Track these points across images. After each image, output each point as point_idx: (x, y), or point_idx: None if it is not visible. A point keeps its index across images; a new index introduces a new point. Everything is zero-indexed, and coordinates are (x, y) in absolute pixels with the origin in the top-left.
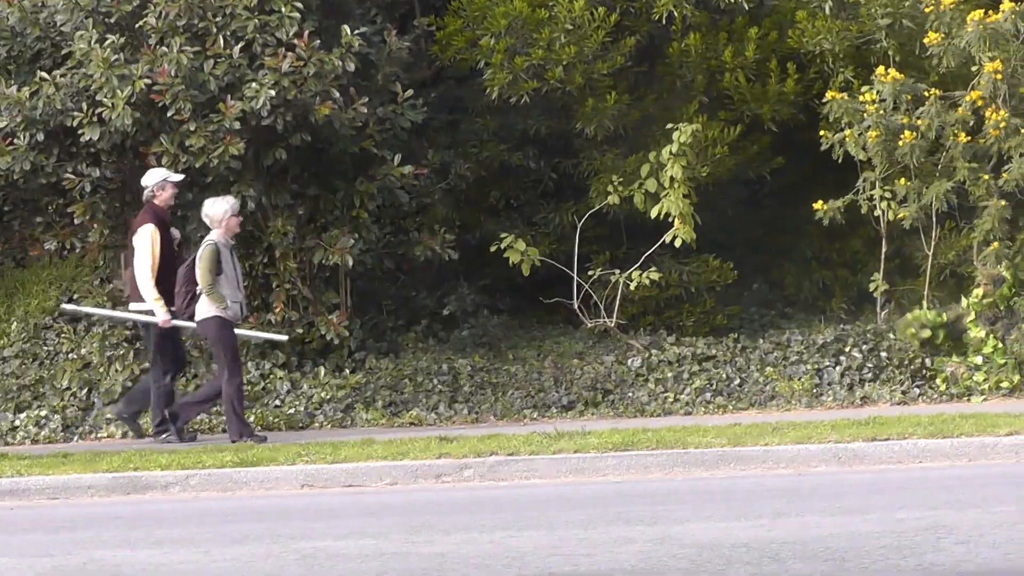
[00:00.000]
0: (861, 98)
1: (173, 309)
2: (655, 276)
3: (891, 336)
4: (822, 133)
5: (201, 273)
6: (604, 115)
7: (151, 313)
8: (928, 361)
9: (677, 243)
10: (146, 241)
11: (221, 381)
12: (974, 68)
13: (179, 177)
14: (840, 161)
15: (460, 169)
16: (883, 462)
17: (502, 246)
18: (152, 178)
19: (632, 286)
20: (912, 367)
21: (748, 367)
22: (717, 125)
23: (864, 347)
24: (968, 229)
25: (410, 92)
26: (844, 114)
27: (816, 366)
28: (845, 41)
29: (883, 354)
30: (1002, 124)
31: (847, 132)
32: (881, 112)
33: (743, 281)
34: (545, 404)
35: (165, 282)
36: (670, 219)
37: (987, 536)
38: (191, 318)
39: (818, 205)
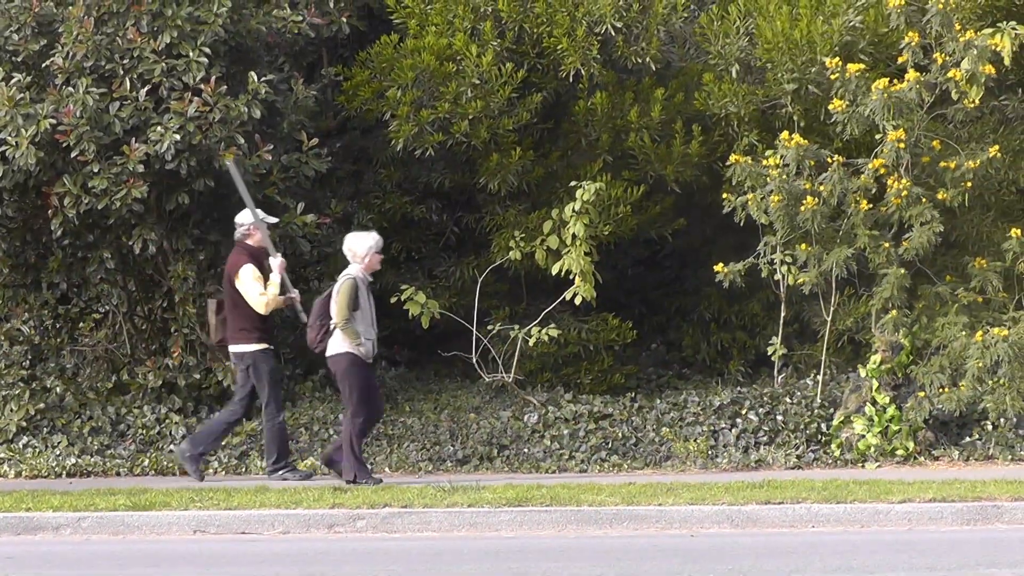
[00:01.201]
0: (765, 162)
1: (271, 347)
2: (554, 333)
3: (787, 400)
4: (725, 196)
5: (339, 307)
6: (508, 170)
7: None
8: (823, 426)
9: (577, 301)
10: (250, 279)
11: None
12: (878, 136)
13: (274, 220)
14: (742, 224)
15: (363, 219)
16: (776, 525)
17: (402, 298)
18: (246, 217)
19: (531, 342)
20: (807, 432)
21: (644, 426)
22: (620, 184)
23: (760, 410)
24: (867, 296)
25: (315, 141)
26: (747, 177)
27: (712, 428)
28: (751, 105)
29: (779, 418)
30: (904, 193)
31: (750, 196)
32: (784, 177)
33: (642, 341)
34: (440, 457)
35: (268, 319)
36: (571, 276)
37: None
38: (322, 353)
39: (718, 267)
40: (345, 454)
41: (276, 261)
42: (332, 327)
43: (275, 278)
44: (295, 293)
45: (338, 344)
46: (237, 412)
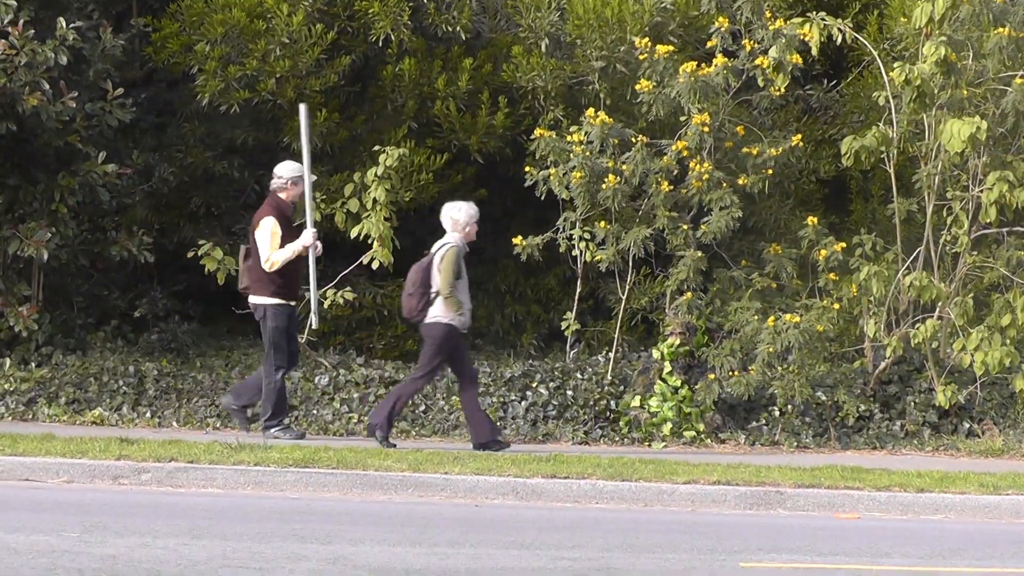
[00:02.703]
0: (569, 138)
1: (293, 304)
2: (349, 296)
3: (578, 376)
4: (527, 169)
5: (444, 277)
6: (313, 131)
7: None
8: (613, 403)
9: (374, 265)
10: (267, 235)
11: (406, 380)
12: (683, 119)
13: (314, 178)
14: (543, 198)
15: (164, 172)
16: (561, 500)
17: (199, 253)
18: (288, 170)
19: (326, 304)
20: (596, 408)
21: (434, 394)
22: (424, 152)
23: (551, 384)
24: (663, 277)
25: (120, 91)
26: (551, 152)
27: (502, 399)
28: (558, 80)
29: (569, 393)
30: (705, 176)
31: (552, 170)
32: (587, 154)
33: None
34: (229, 415)
35: (288, 274)
36: (369, 241)
37: None
38: (419, 321)
39: (517, 240)
40: (383, 406)
41: (309, 233)
42: (433, 296)
43: (295, 245)
44: (312, 286)
45: (438, 312)
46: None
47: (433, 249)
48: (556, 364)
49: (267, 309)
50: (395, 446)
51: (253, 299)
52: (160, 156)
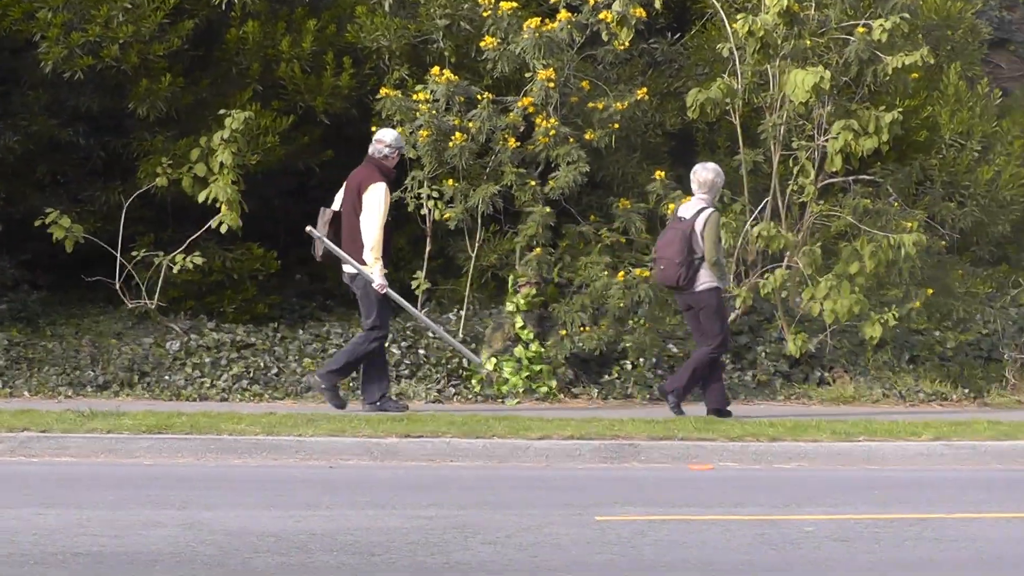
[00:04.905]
0: (415, 96)
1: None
2: (199, 261)
3: (429, 334)
4: (374, 129)
5: (712, 242)
6: (157, 96)
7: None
8: (464, 361)
9: (223, 229)
10: (380, 200)
11: (703, 350)
12: (528, 75)
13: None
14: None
15: (8, 141)
16: (416, 459)
17: (46, 221)
18: (394, 138)
19: (175, 269)
20: (449, 367)
21: (287, 357)
22: (270, 114)
23: (403, 344)
24: (512, 233)
25: None
26: (397, 111)
27: None
28: (403, 39)
29: (421, 351)
30: (551, 132)
31: (399, 129)
32: (433, 112)
33: (286, 271)
34: (81, 383)
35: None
36: (217, 205)
37: (514, 538)
38: (681, 288)
39: None
40: (680, 376)
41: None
42: (698, 262)
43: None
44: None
45: (706, 278)
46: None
47: (682, 213)
48: (407, 323)
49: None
50: (684, 413)
51: (348, 268)
52: (4, 125)
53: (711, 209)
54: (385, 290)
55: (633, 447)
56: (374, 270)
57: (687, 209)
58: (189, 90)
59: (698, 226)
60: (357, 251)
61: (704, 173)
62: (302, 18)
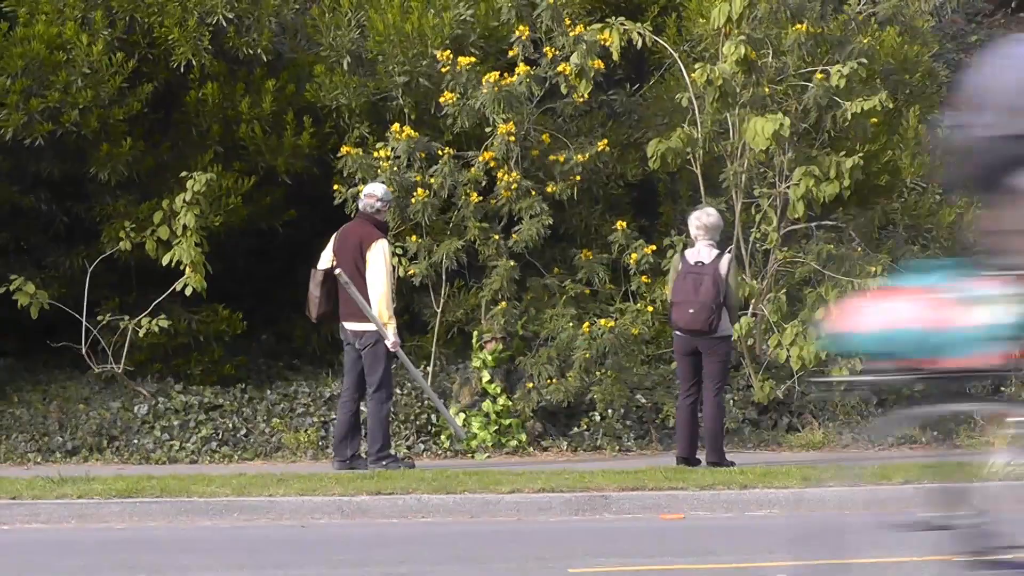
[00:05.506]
0: (376, 154)
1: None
2: (164, 323)
3: (397, 391)
4: (336, 187)
5: (735, 286)
6: (119, 160)
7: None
8: (434, 417)
9: (188, 291)
10: (382, 257)
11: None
12: (488, 129)
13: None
14: (352, 216)
15: None
16: (387, 516)
17: (11, 288)
18: (384, 191)
19: (141, 333)
20: (418, 423)
21: (255, 417)
22: (232, 176)
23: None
24: (477, 288)
25: None
26: (358, 169)
27: (323, 419)
28: (362, 97)
29: (390, 409)
30: (513, 186)
31: (360, 187)
32: (395, 169)
33: (252, 332)
34: (50, 448)
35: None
36: (181, 267)
37: None
38: (706, 334)
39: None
40: (711, 432)
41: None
42: (714, 307)
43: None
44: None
45: (726, 324)
46: (357, 399)
47: (699, 259)
48: None
49: (376, 335)
50: (734, 464)
51: (355, 326)
52: None
53: (729, 254)
54: (397, 348)
55: (604, 499)
56: (389, 327)
57: (702, 255)
58: (150, 153)
59: (722, 270)
60: (357, 309)
61: (708, 218)
62: (261, 79)
